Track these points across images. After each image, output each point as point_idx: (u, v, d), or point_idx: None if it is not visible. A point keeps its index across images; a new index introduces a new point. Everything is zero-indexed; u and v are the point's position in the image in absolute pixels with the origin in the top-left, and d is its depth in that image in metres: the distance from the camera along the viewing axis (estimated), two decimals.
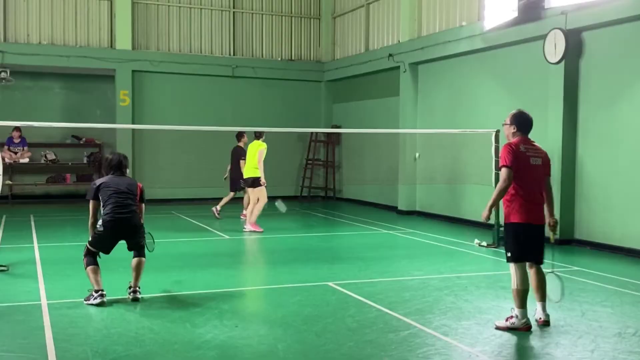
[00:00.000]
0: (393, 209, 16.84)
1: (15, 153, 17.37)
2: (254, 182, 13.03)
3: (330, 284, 8.16)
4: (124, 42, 18.13)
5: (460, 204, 14.63)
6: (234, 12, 19.68)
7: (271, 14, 20.21)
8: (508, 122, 6.50)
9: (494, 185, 11.41)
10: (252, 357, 5.39)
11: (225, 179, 15.25)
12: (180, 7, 19.09)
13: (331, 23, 20.61)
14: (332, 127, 19.96)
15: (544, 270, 6.45)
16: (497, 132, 11.50)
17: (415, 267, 9.37)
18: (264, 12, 20.10)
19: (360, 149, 18.94)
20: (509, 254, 6.27)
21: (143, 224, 7.29)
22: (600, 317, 6.73)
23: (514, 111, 6.55)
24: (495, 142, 11.51)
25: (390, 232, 13.33)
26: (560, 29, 11.44)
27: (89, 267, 7.06)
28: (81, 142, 18.67)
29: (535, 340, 5.90)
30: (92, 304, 6.83)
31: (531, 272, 6.36)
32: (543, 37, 11.83)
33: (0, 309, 6.81)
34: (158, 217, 14.66)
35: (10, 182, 16.50)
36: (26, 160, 17.51)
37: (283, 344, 5.71)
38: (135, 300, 7.09)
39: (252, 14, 19.96)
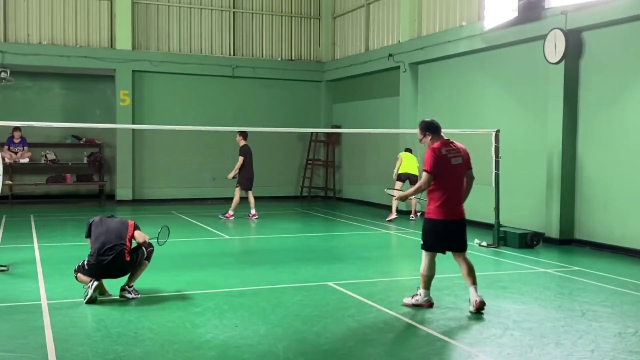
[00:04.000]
0: None
1: (16, 153, 17.36)
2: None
3: (330, 284, 8.16)
4: (124, 42, 18.13)
5: None
6: (234, 12, 19.68)
7: (271, 14, 20.21)
8: (421, 134, 6.96)
9: (493, 185, 11.43)
10: (252, 357, 5.39)
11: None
12: (180, 7, 19.09)
13: (331, 23, 20.61)
14: (332, 127, 19.96)
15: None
16: (497, 132, 11.48)
17: (415, 267, 9.28)
18: (264, 12, 20.10)
19: (360, 148, 18.94)
20: (422, 243, 6.97)
21: (138, 256, 7.16)
22: (600, 317, 6.72)
23: (420, 123, 7.05)
24: (496, 142, 11.46)
25: (390, 232, 13.33)
26: (560, 29, 11.45)
27: (78, 274, 7.10)
28: (81, 142, 18.67)
29: (535, 340, 5.90)
30: (90, 293, 6.82)
31: (459, 261, 6.95)
32: (543, 37, 11.83)
33: (0, 309, 6.82)
34: (158, 217, 14.66)
35: (10, 182, 16.51)
36: (26, 160, 17.50)
37: (283, 344, 5.71)
38: (123, 298, 7.08)
39: (252, 14, 19.97)
